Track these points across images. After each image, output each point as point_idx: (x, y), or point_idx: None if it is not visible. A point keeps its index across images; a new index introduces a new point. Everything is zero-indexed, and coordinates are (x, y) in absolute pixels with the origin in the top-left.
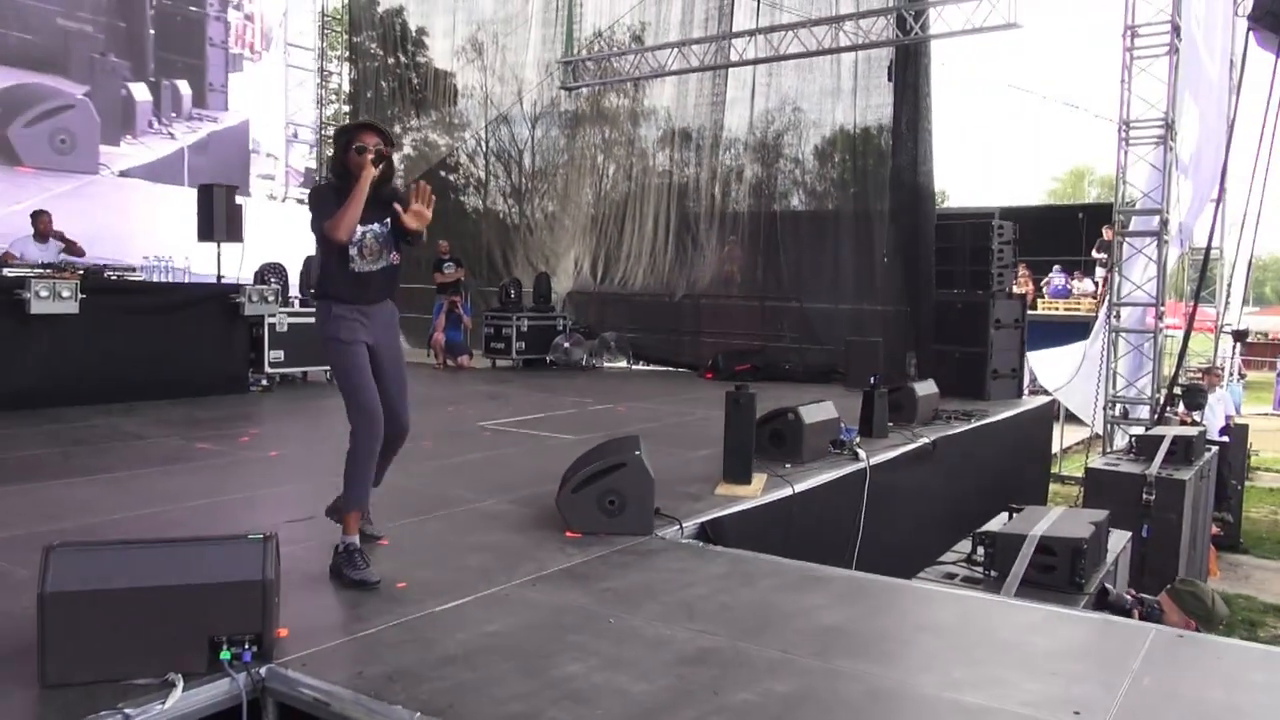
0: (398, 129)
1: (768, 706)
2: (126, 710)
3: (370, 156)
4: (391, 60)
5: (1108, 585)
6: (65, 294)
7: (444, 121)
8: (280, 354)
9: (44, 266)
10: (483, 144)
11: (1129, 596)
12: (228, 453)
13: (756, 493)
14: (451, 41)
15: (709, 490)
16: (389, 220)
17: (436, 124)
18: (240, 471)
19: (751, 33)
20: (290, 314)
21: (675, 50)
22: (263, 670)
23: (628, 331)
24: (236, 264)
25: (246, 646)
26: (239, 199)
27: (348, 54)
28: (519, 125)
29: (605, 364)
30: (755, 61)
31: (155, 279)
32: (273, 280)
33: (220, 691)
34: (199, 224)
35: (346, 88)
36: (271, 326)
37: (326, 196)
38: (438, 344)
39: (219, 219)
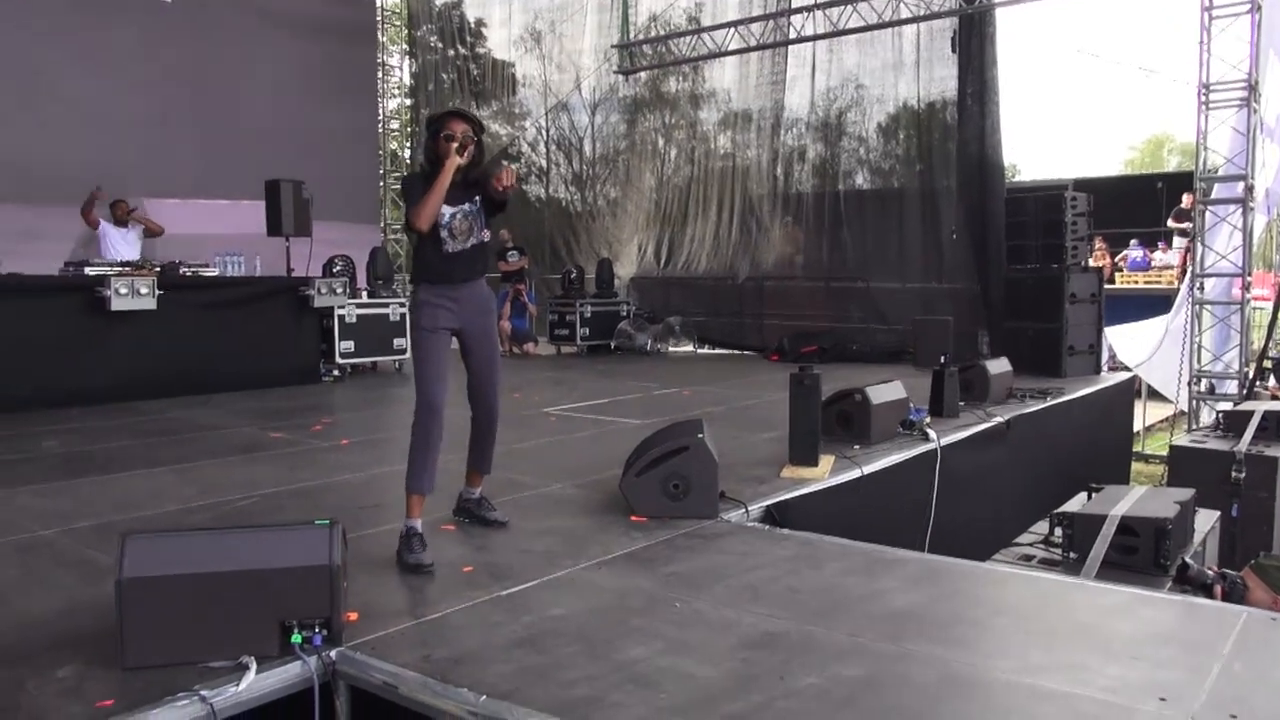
0: None
1: (835, 691)
2: (203, 692)
3: (454, 145)
4: (451, 52)
5: (1188, 560)
6: (144, 290)
7: (504, 111)
8: (350, 344)
9: (124, 264)
10: (543, 132)
11: (1211, 572)
12: (300, 442)
13: (823, 474)
14: (509, 31)
15: (775, 473)
16: (478, 199)
17: (497, 114)
18: (312, 460)
19: (810, 8)
20: (359, 305)
21: (733, 30)
22: (333, 653)
23: (692, 315)
24: (305, 258)
25: (316, 630)
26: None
27: (408, 48)
28: (579, 112)
29: (670, 348)
30: (815, 38)
31: (229, 273)
32: (341, 272)
33: (292, 674)
34: (268, 219)
35: (408, 81)
36: (341, 318)
37: (415, 184)
38: (503, 331)
39: (287, 213)
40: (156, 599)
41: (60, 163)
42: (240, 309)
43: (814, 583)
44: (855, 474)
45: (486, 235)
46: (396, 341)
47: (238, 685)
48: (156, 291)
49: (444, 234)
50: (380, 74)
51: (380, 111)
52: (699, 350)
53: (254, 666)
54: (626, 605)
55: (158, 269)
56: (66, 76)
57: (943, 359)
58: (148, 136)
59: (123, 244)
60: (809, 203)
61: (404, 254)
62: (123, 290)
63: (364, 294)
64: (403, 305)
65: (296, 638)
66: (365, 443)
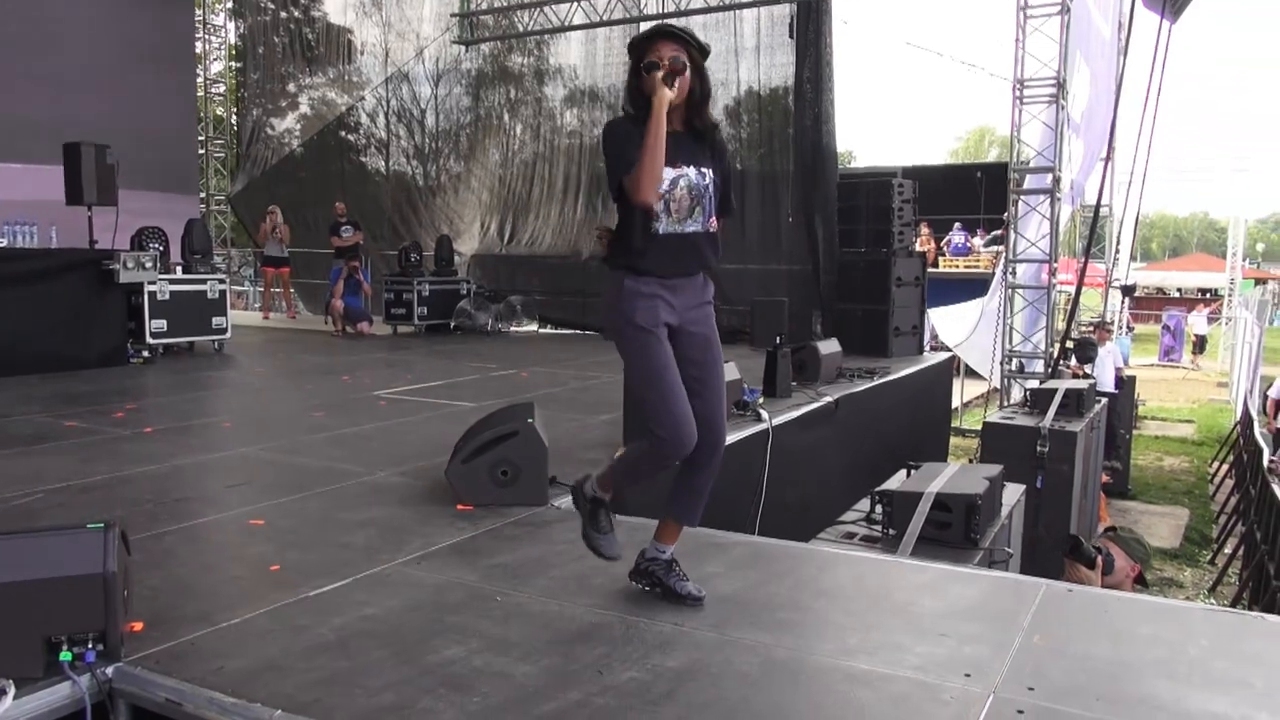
0: (291, 88)
1: (655, 684)
2: None
3: (660, 74)
4: (284, 14)
5: (1080, 537)
6: None
7: (342, 79)
8: (163, 323)
9: None
10: (383, 103)
11: (1094, 549)
12: (98, 430)
13: None
14: None
15: (609, 456)
16: (708, 171)
17: (334, 82)
18: (111, 450)
19: None
20: (173, 281)
21: (576, 5)
22: (109, 670)
23: (535, 295)
24: (110, 229)
25: (90, 646)
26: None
27: (233, 6)
28: (420, 84)
29: (511, 328)
30: (659, 16)
31: (19, 245)
32: (152, 245)
33: (60, 696)
34: (67, 186)
35: (233, 42)
36: (152, 295)
37: (626, 136)
38: (336, 310)
39: (89, 180)
40: None
41: None
42: (33, 284)
43: None
44: None
45: (714, 226)
46: (215, 320)
47: None
48: None
49: (658, 206)
50: (202, 34)
51: (202, 74)
52: (541, 330)
53: (11, 691)
54: (444, 602)
55: None
56: None
57: (778, 340)
58: None
59: None
60: None
61: (228, 226)
62: None
63: (178, 269)
64: (222, 282)
65: (65, 655)
66: (172, 430)
